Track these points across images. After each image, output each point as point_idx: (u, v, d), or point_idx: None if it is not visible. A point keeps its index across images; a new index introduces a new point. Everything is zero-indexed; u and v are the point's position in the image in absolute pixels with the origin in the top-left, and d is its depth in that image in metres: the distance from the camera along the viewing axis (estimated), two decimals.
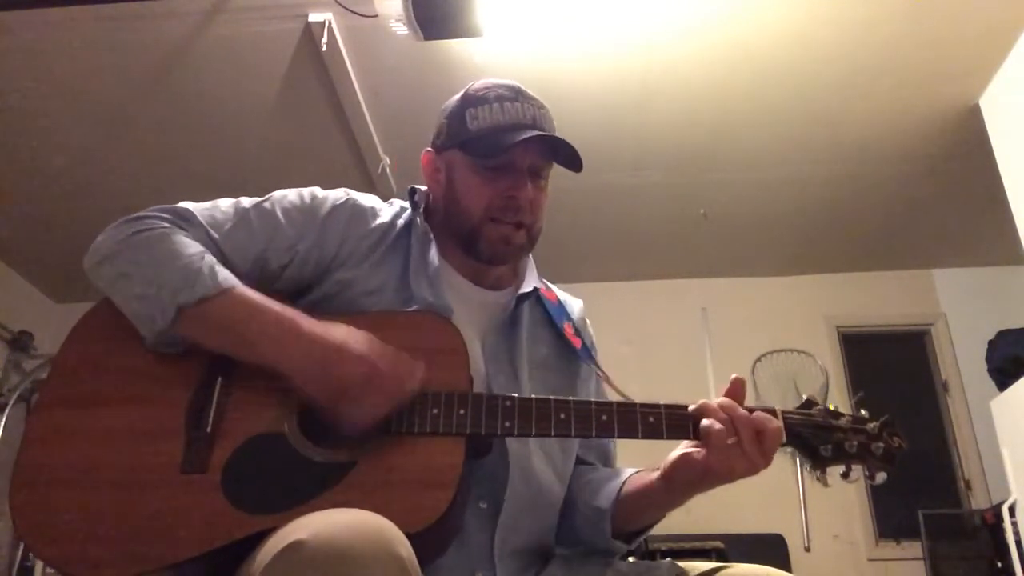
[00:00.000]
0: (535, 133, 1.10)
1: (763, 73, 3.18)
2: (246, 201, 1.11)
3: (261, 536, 0.83)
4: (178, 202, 1.07)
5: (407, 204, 1.20)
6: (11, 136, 3.47)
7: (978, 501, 4.17)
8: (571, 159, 1.15)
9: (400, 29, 2.95)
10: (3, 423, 3.85)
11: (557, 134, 1.16)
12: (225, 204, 1.10)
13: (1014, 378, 3.41)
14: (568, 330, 1.19)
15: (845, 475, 0.98)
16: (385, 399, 0.91)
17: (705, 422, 0.93)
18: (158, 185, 3.82)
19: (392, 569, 0.72)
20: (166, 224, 1.02)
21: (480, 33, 2.93)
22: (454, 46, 3.04)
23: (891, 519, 4.23)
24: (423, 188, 1.22)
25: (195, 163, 3.70)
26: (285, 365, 0.93)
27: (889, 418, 0.99)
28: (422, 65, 3.11)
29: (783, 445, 0.96)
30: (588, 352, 1.20)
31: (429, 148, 1.20)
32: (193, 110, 3.38)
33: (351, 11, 2.83)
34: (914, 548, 3.97)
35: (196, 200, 1.10)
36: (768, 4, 2.86)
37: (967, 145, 3.50)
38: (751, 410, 0.96)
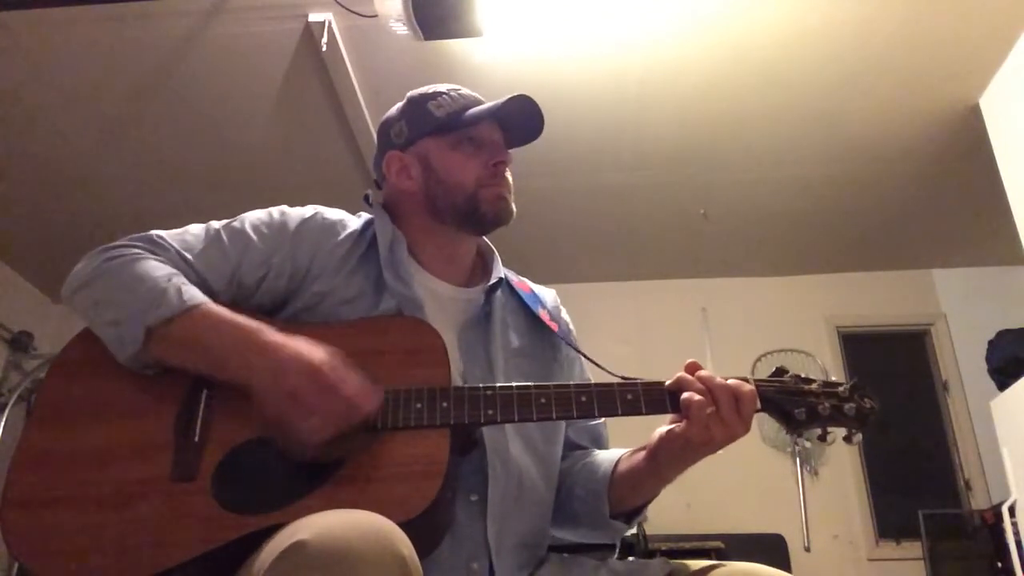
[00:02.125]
0: (519, 95, 1.18)
1: (763, 73, 3.18)
2: (216, 224, 1.13)
3: (255, 537, 0.84)
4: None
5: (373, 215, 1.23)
6: (11, 136, 3.47)
7: (978, 501, 4.17)
8: (526, 133, 1.23)
9: (400, 29, 2.96)
10: (3, 423, 3.86)
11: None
12: (196, 228, 1.12)
13: (1014, 378, 3.40)
14: (544, 316, 1.22)
15: (822, 438, 1.03)
16: (331, 419, 0.90)
17: (685, 395, 0.97)
18: (158, 185, 3.82)
19: (394, 568, 0.73)
20: (137, 251, 1.05)
21: (480, 33, 2.93)
22: (454, 46, 3.04)
23: (891, 519, 4.22)
24: (378, 202, 1.24)
25: (195, 163, 3.70)
26: (249, 382, 0.92)
27: (858, 380, 1.04)
28: (422, 65, 3.11)
29: (758, 411, 1.00)
30: (566, 336, 1.24)
31: (391, 151, 1.22)
32: (193, 110, 3.38)
33: (351, 11, 2.83)
34: (914, 548, 3.97)
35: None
36: (768, 4, 2.86)
37: (967, 145, 3.50)
38: (725, 379, 1.00)
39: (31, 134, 3.46)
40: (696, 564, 1.03)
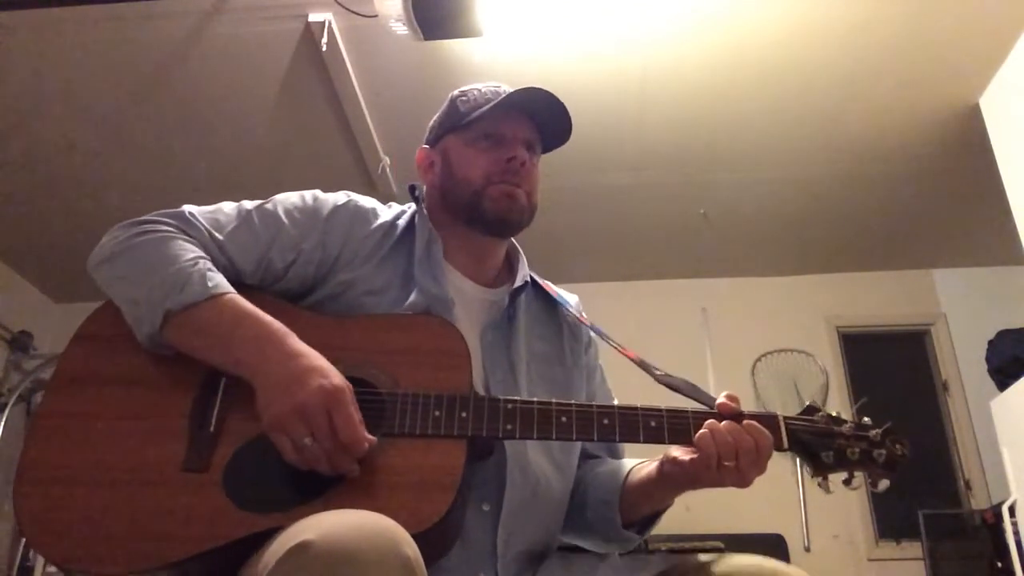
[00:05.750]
0: (528, 87, 1.15)
1: (763, 73, 3.17)
2: (248, 204, 1.11)
3: (263, 535, 0.83)
4: (176, 202, 1.08)
5: (405, 207, 1.22)
6: (11, 136, 3.46)
7: (978, 501, 4.16)
8: (559, 127, 1.19)
9: (400, 29, 2.95)
10: (3, 423, 3.86)
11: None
12: (228, 207, 1.10)
13: (1014, 378, 3.40)
14: (573, 312, 1.21)
15: (847, 482, 0.98)
16: (322, 450, 0.87)
17: (706, 447, 0.93)
18: (158, 185, 3.82)
19: (398, 569, 0.72)
20: (167, 228, 1.03)
21: (480, 33, 2.93)
22: (454, 46, 3.04)
23: (891, 519, 4.22)
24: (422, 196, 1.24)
25: (195, 163, 3.70)
26: (260, 379, 0.91)
27: (892, 425, 0.99)
28: (422, 65, 3.11)
29: (785, 450, 0.96)
30: (598, 330, 1.22)
31: (423, 146, 1.24)
32: (193, 110, 3.38)
33: (351, 11, 2.83)
34: (914, 548, 3.97)
35: (193, 200, 1.10)
36: (768, 4, 2.85)
37: (967, 145, 3.50)
38: (752, 416, 0.97)
39: (31, 134, 3.46)
40: (698, 556, 1.03)
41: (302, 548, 0.71)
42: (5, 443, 3.74)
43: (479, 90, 1.19)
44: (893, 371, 4.68)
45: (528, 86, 1.15)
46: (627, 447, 1.21)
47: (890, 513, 4.23)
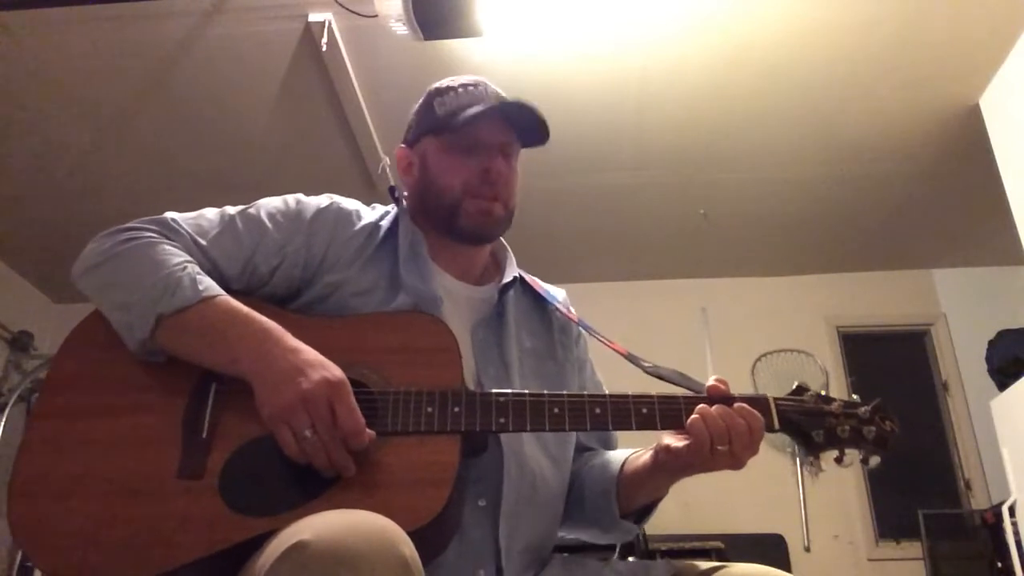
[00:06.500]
0: (504, 99, 1.16)
1: (763, 73, 3.18)
2: (231, 209, 1.12)
3: (261, 539, 0.83)
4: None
5: (389, 208, 1.23)
6: (11, 136, 3.47)
7: (978, 501, 4.17)
8: (536, 133, 1.18)
9: (400, 29, 2.96)
10: (3, 423, 3.85)
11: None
12: (211, 213, 1.11)
13: (1014, 378, 3.41)
14: (561, 310, 1.22)
15: (839, 460, 0.99)
16: (322, 442, 0.88)
17: (699, 431, 0.94)
18: (158, 185, 3.83)
19: (395, 569, 0.72)
20: (151, 234, 1.03)
21: (480, 33, 2.93)
22: (454, 46, 3.04)
23: (891, 519, 4.22)
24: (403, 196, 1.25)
25: (195, 163, 3.70)
26: (259, 375, 0.91)
27: (880, 402, 1.00)
28: (422, 65, 3.11)
29: (776, 431, 0.97)
30: (586, 325, 1.23)
31: (400, 146, 1.24)
32: (193, 110, 3.38)
33: (351, 11, 2.83)
34: (914, 548, 3.97)
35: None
36: (768, 4, 2.86)
37: (967, 145, 3.50)
38: (742, 398, 0.98)
39: (31, 134, 3.46)
40: (701, 565, 1.02)
41: (298, 548, 0.71)
42: (5, 443, 3.74)
43: (456, 91, 1.19)
44: (893, 371, 4.68)
45: (506, 100, 1.15)
46: (620, 434, 1.21)
47: (890, 513, 4.24)
